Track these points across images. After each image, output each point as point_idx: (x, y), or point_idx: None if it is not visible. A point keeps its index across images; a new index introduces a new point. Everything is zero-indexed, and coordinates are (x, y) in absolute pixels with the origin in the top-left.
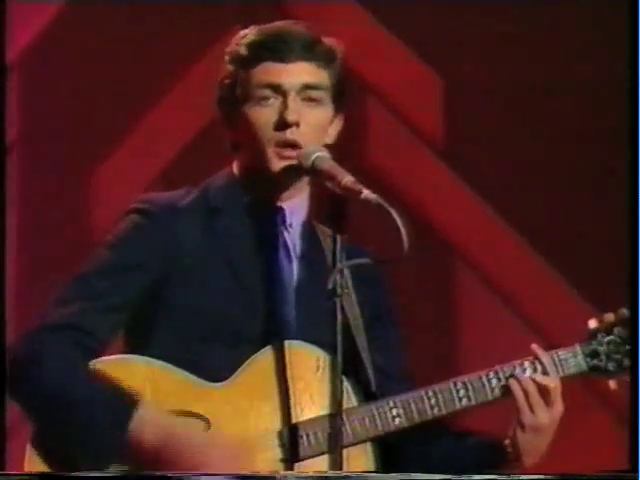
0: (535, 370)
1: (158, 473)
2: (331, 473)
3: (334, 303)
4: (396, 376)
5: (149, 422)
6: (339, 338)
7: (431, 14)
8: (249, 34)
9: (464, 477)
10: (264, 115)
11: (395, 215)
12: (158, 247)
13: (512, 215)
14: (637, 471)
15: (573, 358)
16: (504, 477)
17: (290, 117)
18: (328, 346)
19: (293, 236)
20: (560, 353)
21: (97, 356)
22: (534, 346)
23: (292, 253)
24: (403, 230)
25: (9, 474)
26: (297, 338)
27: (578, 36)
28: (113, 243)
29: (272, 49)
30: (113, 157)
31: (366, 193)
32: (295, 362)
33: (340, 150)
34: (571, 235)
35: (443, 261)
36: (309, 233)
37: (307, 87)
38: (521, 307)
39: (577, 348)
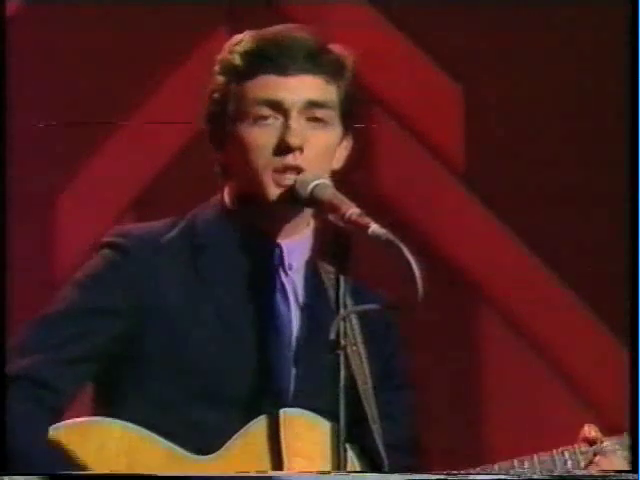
0: (577, 461)
1: (158, 474)
2: (331, 473)
3: (337, 356)
4: (404, 448)
5: None
6: (342, 404)
7: (451, 19)
8: (244, 40)
9: (463, 477)
10: (262, 137)
11: (408, 254)
12: (134, 289)
13: (544, 250)
14: (637, 471)
15: (621, 451)
16: (505, 477)
17: (292, 140)
18: (333, 414)
19: (293, 279)
20: (606, 445)
21: (59, 414)
22: (583, 435)
23: (291, 299)
24: (417, 271)
25: (9, 474)
26: (297, 403)
27: (592, 42)
28: (82, 282)
29: (271, 59)
30: (77, 180)
31: (374, 227)
32: (295, 435)
33: (345, 176)
34: (608, 272)
35: (466, 306)
36: (312, 276)
37: (312, 104)
38: (558, 362)
39: (625, 438)
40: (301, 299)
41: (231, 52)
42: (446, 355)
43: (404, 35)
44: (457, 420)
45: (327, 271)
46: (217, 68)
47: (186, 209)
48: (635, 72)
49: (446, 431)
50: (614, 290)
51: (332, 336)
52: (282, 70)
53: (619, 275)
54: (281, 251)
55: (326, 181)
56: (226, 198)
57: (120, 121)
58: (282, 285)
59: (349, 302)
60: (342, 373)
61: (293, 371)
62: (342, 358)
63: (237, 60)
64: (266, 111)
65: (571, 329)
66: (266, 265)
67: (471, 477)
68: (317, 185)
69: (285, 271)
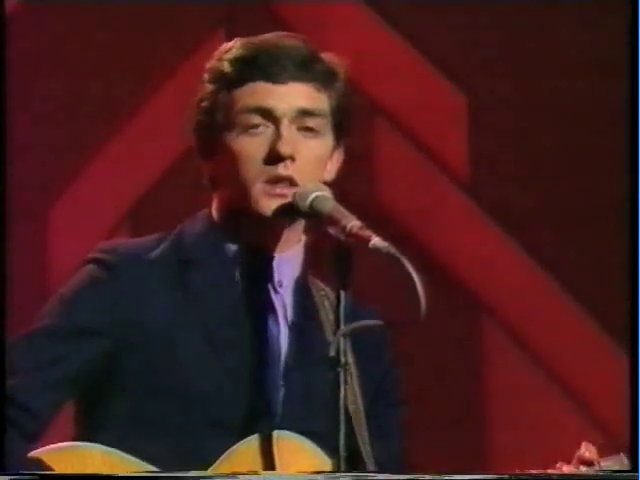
0: None
1: (158, 474)
2: (329, 473)
3: (337, 374)
4: (390, 467)
5: None
6: (342, 424)
7: (451, 22)
8: (234, 48)
9: (458, 477)
10: (252, 146)
11: (410, 268)
12: (118, 308)
13: (552, 263)
14: (637, 471)
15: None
16: (504, 477)
17: (284, 149)
18: (324, 438)
19: (283, 297)
20: (604, 464)
21: (37, 438)
22: (580, 456)
23: (281, 319)
24: (420, 286)
25: (9, 474)
26: (285, 425)
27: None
28: (66, 299)
29: (262, 67)
30: (70, 192)
31: (375, 241)
32: (283, 459)
33: (345, 188)
34: (613, 284)
35: (470, 322)
36: (303, 293)
37: (303, 113)
38: (561, 373)
39: (623, 458)
40: (290, 317)
41: (220, 59)
42: (448, 370)
43: (406, 41)
44: (458, 436)
45: (319, 288)
46: (206, 76)
47: (183, 220)
48: (635, 72)
49: (447, 447)
50: (615, 296)
51: (332, 353)
52: (273, 78)
53: (620, 281)
54: (271, 268)
55: (326, 193)
56: (214, 212)
57: (117, 125)
58: (271, 303)
59: (348, 318)
60: (342, 392)
61: (282, 392)
62: (342, 377)
63: (227, 67)
64: (256, 119)
65: (573, 339)
66: (255, 282)
67: (467, 477)
68: (317, 197)
69: (275, 288)
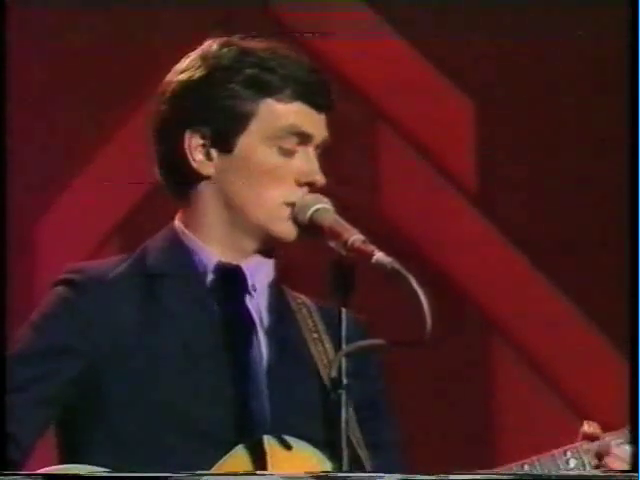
0: (582, 463)
1: (159, 474)
2: (331, 473)
3: (338, 396)
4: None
5: None
6: (344, 447)
7: (453, 27)
8: (277, 54)
9: (459, 477)
10: (284, 167)
11: (415, 284)
12: (89, 327)
13: (555, 273)
14: (637, 471)
15: (625, 445)
16: (504, 477)
17: (319, 177)
18: (312, 440)
19: (258, 301)
20: (608, 439)
21: (21, 465)
22: (584, 432)
23: (257, 324)
24: (425, 303)
25: (9, 474)
26: (274, 432)
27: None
28: (36, 322)
29: (309, 89)
30: (55, 209)
31: (379, 256)
32: (276, 462)
33: (347, 200)
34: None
35: (475, 338)
36: (277, 297)
37: (324, 143)
38: (566, 386)
39: (627, 432)
40: (266, 322)
41: (262, 67)
42: (453, 386)
43: (411, 47)
44: (462, 449)
45: (294, 296)
46: (239, 78)
47: None
48: (635, 75)
49: (449, 455)
50: (616, 303)
51: (333, 374)
52: (316, 103)
53: (620, 289)
54: (243, 273)
55: (327, 205)
56: (177, 223)
57: (108, 134)
58: (246, 308)
59: (321, 328)
60: (343, 414)
61: (267, 400)
62: (344, 399)
63: (267, 76)
64: (293, 140)
65: (575, 345)
66: (228, 289)
67: (468, 477)
68: (317, 210)
69: (250, 293)
